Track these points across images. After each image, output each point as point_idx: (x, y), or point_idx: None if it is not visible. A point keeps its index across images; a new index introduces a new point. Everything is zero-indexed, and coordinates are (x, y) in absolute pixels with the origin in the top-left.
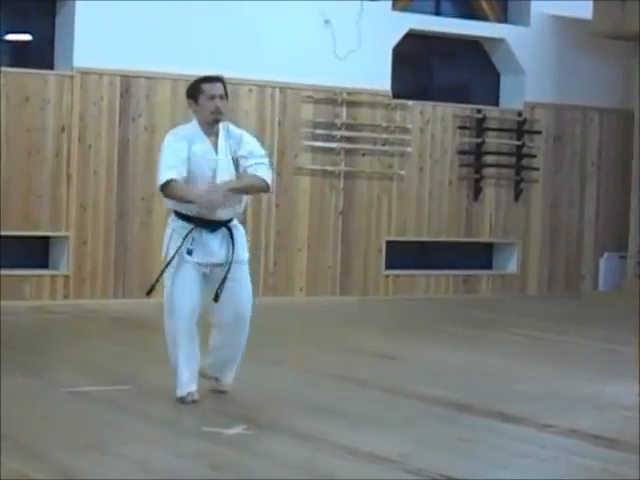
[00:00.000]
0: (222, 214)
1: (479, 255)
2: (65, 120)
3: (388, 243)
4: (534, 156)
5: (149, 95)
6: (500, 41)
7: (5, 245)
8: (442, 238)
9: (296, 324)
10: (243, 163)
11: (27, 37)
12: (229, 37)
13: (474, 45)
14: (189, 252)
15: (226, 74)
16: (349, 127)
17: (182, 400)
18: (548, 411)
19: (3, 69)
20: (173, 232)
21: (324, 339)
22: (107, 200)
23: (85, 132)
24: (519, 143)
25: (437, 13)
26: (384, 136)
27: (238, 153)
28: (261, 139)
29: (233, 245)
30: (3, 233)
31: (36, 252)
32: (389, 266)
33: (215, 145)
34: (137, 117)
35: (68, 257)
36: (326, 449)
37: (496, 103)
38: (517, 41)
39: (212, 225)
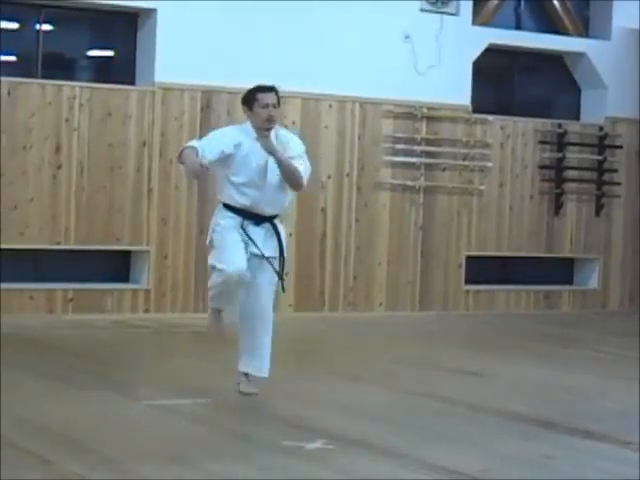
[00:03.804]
0: (267, 209)
1: (560, 270)
2: (146, 135)
3: (468, 258)
4: (616, 171)
5: (230, 110)
6: (581, 55)
7: (87, 259)
8: (522, 253)
9: (376, 339)
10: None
11: (109, 53)
12: (309, 53)
13: (555, 59)
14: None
15: (307, 89)
16: (429, 142)
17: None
18: (630, 428)
19: (86, 85)
20: (218, 224)
21: (404, 355)
22: (188, 214)
23: (166, 147)
24: (600, 158)
25: (518, 27)
26: (464, 151)
27: (286, 154)
28: (341, 154)
29: (279, 240)
30: (85, 247)
31: (117, 266)
32: (469, 281)
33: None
34: None
35: (149, 271)
36: (407, 465)
37: (577, 118)
38: (598, 55)
39: (257, 219)
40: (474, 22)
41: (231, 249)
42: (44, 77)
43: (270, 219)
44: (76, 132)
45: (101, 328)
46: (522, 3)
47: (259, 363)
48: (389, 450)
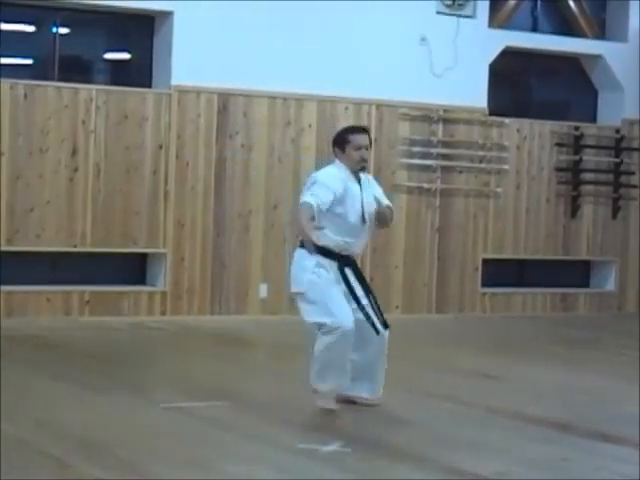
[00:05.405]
0: (359, 250)
1: (576, 273)
2: (163, 137)
3: (484, 261)
4: (632, 173)
5: (246, 112)
6: (598, 57)
7: (103, 261)
8: (539, 256)
9: (393, 342)
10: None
11: (126, 56)
12: (326, 55)
13: (571, 61)
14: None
15: (323, 92)
16: (445, 144)
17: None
18: None
19: (103, 87)
20: (320, 267)
21: (421, 357)
22: (204, 217)
23: (183, 149)
24: (617, 160)
25: (534, 30)
26: (480, 153)
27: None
28: None
29: (363, 278)
30: (102, 250)
31: (134, 268)
32: (485, 284)
33: (361, 188)
34: (234, 134)
35: (165, 273)
36: (425, 468)
37: (594, 120)
38: (615, 57)
39: (348, 260)
40: (490, 24)
41: (338, 302)
42: (61, 80)
43: (353, 260)
44: (93, 135)
45: (118, 330)
46: (538, 5)
47: (374, 386)
48: (405, 452)
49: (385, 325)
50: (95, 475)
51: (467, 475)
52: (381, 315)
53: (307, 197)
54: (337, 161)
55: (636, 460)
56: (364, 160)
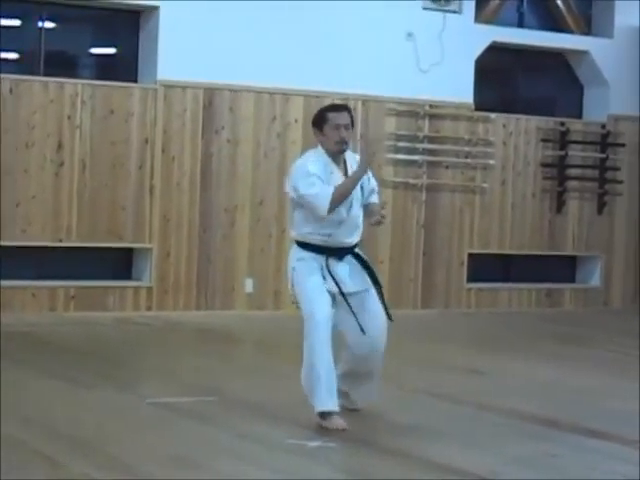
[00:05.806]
0: (350, 239)
1: (562, 268)
2: (149, 132)
3: (470, 256)
4: (618, 169)
5: (232, 107)
6: (584, 53)
7: (89, 256)
8: (525, 251)
9: None
10: (369, 197)
11: (112, 51)
12: (312, 50)
13: (557, 57)
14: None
15: (309, 87)
16: (432, 140)
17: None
18: (635, 428)
19: (88, 82)
20: (301, 260)
21: (408, 353)
22: (190, 212)
23: (169, 144)
24: (603, 156)
25: (520, 25)
26: (467, 149)
27: (368, 186)
28: None
29: (370, 271)
30: (88, 245)
31: (120, 263)
32: (471, 279)
33: (345, 174)
34: (220, 129)
35: (151, 269)
36: (414, 465)
37: (579, 116)
38: (601, 53)
39: (340, 253)
40: (477, 20)
41: (313, 290)
42: (46, 75)
43: (351, 250)
44: (78, 129)
45: (103, 325)
46: (525, 1)
47: (366, 391)
48: (394, 449)
49: (389, 318)
50: (85, 472)
51: (457, 472)
52: (385, 309)
53: (323, 198)
54: (319, 147)
55: (624, 456)
56: (344, 141)
